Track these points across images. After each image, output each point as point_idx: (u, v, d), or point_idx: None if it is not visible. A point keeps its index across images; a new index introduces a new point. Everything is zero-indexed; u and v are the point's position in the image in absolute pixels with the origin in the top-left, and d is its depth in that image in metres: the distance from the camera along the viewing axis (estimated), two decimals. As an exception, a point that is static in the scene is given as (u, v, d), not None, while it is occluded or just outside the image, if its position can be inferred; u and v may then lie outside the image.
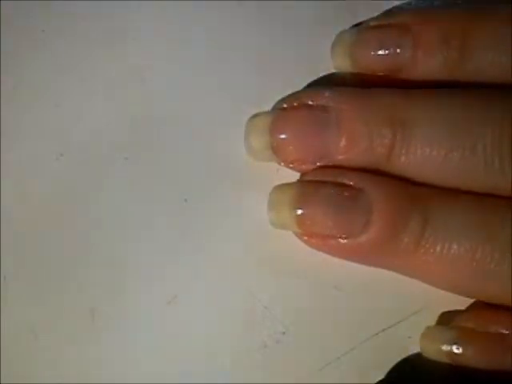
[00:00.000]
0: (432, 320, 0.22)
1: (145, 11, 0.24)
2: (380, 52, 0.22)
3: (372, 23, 0.23)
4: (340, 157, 0.21)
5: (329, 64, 0.23)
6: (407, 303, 0.22)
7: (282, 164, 0.22)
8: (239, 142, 0.22)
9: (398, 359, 0.21)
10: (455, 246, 0.20)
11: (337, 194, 0.20)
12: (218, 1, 0.24)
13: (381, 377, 0.21)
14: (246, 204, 0.22)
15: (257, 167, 0.23)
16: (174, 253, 0.22)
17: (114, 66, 0.24)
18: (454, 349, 0.20)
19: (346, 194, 0.20)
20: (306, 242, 0.21)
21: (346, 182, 0.21)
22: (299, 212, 0.21)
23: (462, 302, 0.21)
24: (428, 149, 0.20)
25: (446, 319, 0.21)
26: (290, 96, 0.22)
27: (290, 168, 0.22)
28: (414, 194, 0.21)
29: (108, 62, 0.24)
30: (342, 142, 0.21)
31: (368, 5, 0.23)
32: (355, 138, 0.21)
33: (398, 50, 0.22)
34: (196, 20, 0.24)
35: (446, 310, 0.22)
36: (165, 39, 0.24)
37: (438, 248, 0.20)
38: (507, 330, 0.20)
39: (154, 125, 0.23)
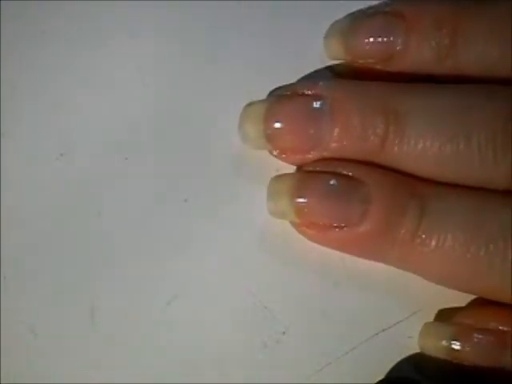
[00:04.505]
0: (432, 320, 0.22)
1: (145, 11, 0.24)
2: (373, 39, 0.22)
3: (365, 11, 0.23)
4: (333, 144, 0.21)
5: (327, 61, 0.23)
6: (407, 303, 0.22)
7: (275, 153, 0.22)
8: (239, 141, 0.22)
9: (398, 359, 0.21)
10: (450, 238, 0.20)
11: (335, 184, 0.21)
12: (218, 1, 0.24)
13: (381, 377, 0.21)
14: (246, 204, 0.22)
15: (257, 168, 0.23)
16: (174, 253, 0.22)
17: (114, 66, 0.24)
18: (454, 345, 0.20)
19: (345, 183, 0.20)
20: (303, 233, 0.21)
21: (345, 172, 0.21)
22: (298, 201, 0.21)
23: (461, 302, 0.21)
24: (422, 140, 0.20)
25: (446, 316, 0.21)
26: (284, 86, 0.22)
27: (283, 159, 0.22)
28: (411, 185, 0.21)
29: (108, 62, 0.24)
30: (336, 130, 0.21)
31: (367, 5, 0.23)
32: (348, 126, 0.21)
33: (392, 37, 0.22)
34: (196, 20, 0.24)
35: (446, 309, 0.22)
36: (165, 39, 0.24)
37: (434, 240, 0.20)
38: (506, 326, 0.20)
39: (154, 125, 0.23)
